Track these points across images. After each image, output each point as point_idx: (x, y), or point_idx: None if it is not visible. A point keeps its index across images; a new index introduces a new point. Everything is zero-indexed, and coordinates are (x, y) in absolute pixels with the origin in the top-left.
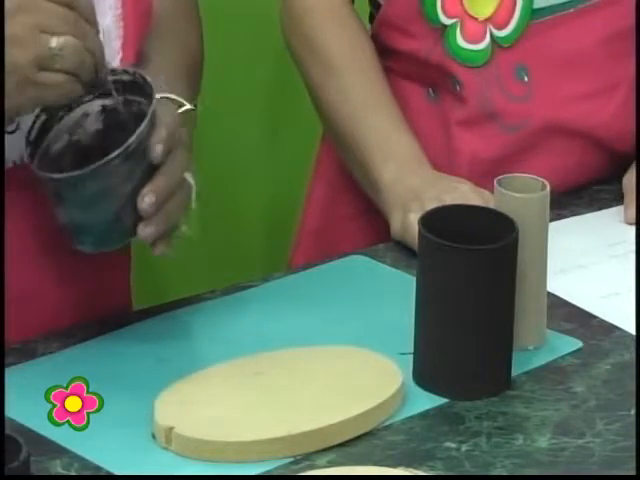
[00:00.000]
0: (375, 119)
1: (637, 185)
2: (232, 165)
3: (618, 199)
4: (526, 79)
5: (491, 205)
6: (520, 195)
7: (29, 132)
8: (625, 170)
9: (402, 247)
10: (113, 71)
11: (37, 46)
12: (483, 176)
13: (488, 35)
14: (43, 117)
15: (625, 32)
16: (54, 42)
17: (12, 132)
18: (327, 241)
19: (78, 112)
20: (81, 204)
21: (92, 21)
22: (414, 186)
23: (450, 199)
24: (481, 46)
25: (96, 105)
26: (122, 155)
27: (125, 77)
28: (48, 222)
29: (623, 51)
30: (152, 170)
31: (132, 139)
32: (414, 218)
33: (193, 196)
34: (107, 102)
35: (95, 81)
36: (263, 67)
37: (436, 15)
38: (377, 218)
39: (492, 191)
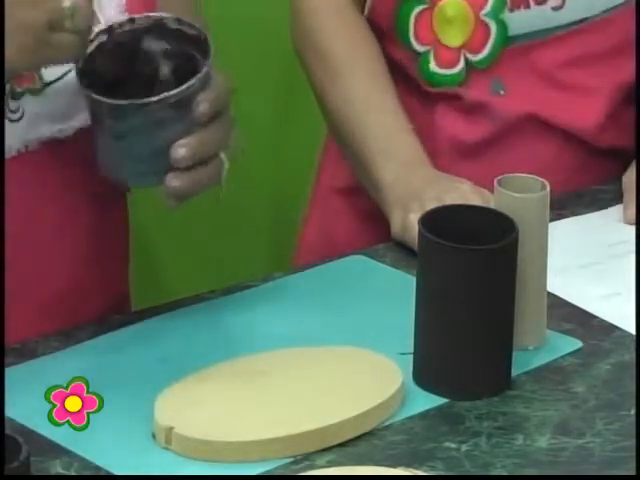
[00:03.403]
0: (378, 119)
1: (637, 184)
2: (235, 165)
3: (618, 199)
4: (502, 92)
5: (491, 205)
6: (520, 195)
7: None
8: (617, 169)
9: (402, 247)
10: (178, 20)
11: (50, 6)
12: (463, 158)
13: (462, 60)
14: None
15: (603, 55)
16: (67, 2)
17: (17, 120)
18: (328, 246)
19: (144, 45)
20: (119, 133)
21: None
22: (414, 186)
23: (450, 199)
24: (455, 70)
25: (159, 46)
26: (166, 100)
27: (189, 30)
28: (49, 213)
29: (602, 71)
30: (191, 128)
31: (182, 88)
32: (414, 218)
33: (223, 174)
34: (168, 47)
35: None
36: (270, 68)
37: (409, 41)
38: (378, 221)
39: (468, 173)
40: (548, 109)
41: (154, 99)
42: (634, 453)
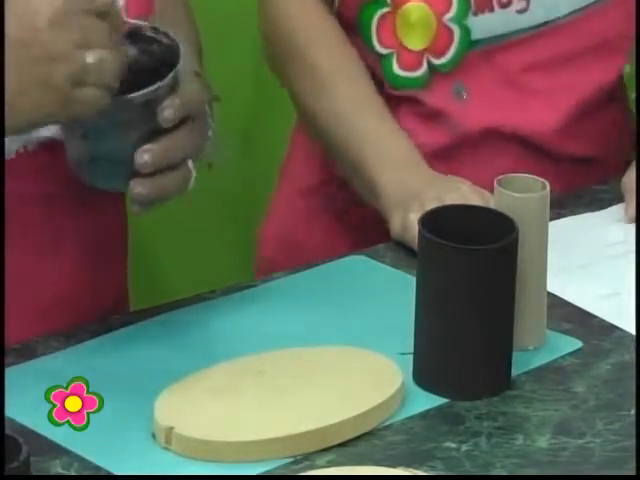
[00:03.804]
0: (369, 123)
1: (637, 184)
2: (240, 163)
3: (618, 199)
4: (464, 96)
5: (491, 205)
6: (520, 195)
7: None
8: (583, 178)
9: (402, 247)
10: (154, 29)
11: (74, 62)
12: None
13: (425, 63)
14: None
15: (563, 60)
16: (90, 58)
17: None
18: (292, 241)
19: None
20: (84, 132)
21: (121, 28)
22: (414, 186)
23: (450, 199)
24: (418, 73)
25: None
26: (128, 101)
27: (164, 40)
28: (49, 214)
29: (568, 77)
30: (156, 134)
31: (145, 91)
32: (414, 218)
33: (191, 182)
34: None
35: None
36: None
37: (372, 44)
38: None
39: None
40: (508, 117)
41: (116, 99)
42: (634, 453)
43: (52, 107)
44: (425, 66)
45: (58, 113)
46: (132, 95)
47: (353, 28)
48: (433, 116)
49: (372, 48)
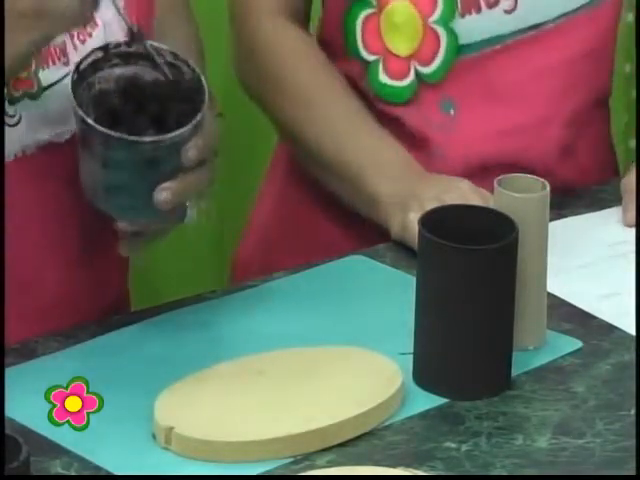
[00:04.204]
0: (359, 136)
1: (637, 186)
2: (236, 164)
3: (618, 199)
4: (452, 112)
5: (491, 205)
6: (520, 195)
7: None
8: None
9: (402, 247)
10: (175, 56)
11: None
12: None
13: (412, 72)
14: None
15: (554, 68)
16: None
17: (14, 125)
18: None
19: (131, 70)
20: (105, 161)
21: None
22: (413, 187)
23: (449, 198)
24: (405, 83)
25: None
26: (158, 142)
27: (185, 70)
28: (48, 217)
29: (559, 86)
30: (176, 171)
31: (176, 133)
32: (414, 217)
33: (190, 214)
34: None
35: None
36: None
37: (358, 50)
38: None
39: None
40: (495, 145)
41: (147, 139)
42: (634, 453)
43: (31, 31)
44: (412, 75)
45: (39, 34)
46: (161, 137)
47: (336, 38)
48: (416, 142)
49: (358, 55)
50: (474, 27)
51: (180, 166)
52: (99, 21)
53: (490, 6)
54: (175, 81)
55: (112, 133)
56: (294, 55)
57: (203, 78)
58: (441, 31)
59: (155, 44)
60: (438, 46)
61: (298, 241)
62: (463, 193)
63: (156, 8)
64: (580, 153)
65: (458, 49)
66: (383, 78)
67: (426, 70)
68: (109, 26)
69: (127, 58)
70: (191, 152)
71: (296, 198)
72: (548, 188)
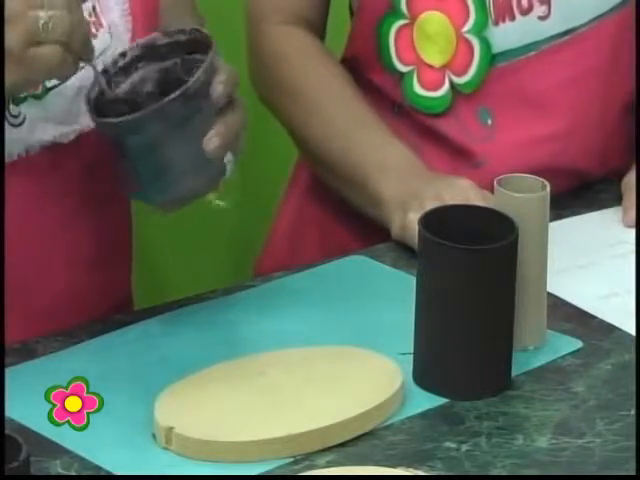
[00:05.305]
0: (365, 137)
1: (637, 186)
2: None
3: (618, 199)
4: (489, 122)
5: (491, 205)
6: (520, 195)
7: (88, 97)
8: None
9: (402, 247)
10: (167, 34)
11: (26, 23)
12: None
13: (447, 82)
14: (103, 80)
15: (590, 72)
16: (42, 15)
17: (18, 125)
18: (296, 246)
19: (135, 78)
20: (144, 149)
21: None
22: (413, 186)
23: (449, 196)
24: (440, 93)
25: (152, 70)
26: (181, 96)
27: (182, 37)
28: (50, 217)
29: (588, 92)
30: (210, 119)
31: (192, 80)
32: (414, 217)
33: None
34: (164, 64)
35: (87, 52)
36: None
37: (391, 62)
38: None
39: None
40: (534, 147)
41: (168, 98)
42: (634, 453)
43: (9, 71)
44: (447, 86)
45: (17, 77)
46: (179, 90)
47: (369, 50)
48: (457, 153)
49: (391, 66)
50: (508, 35)
51: (213, 110)
52: (104, 22)
53: (524, 13)
54: (183, 61)
55: (135, 115)
56: (303, 61)
57: (204, 31)
58: (474, 40)
59: (142, 40)
60: (472, 56)
61: (320, 255)
62: (462, 190)
63: (162, 8)
64: (612, 156)
65: (492, 58)
66: (418, 89)
67: (461, 80)
68: (115, 27)
69: (138, 61)
70: (218, 88)
71: (317, 214)
72: (548, 188)
